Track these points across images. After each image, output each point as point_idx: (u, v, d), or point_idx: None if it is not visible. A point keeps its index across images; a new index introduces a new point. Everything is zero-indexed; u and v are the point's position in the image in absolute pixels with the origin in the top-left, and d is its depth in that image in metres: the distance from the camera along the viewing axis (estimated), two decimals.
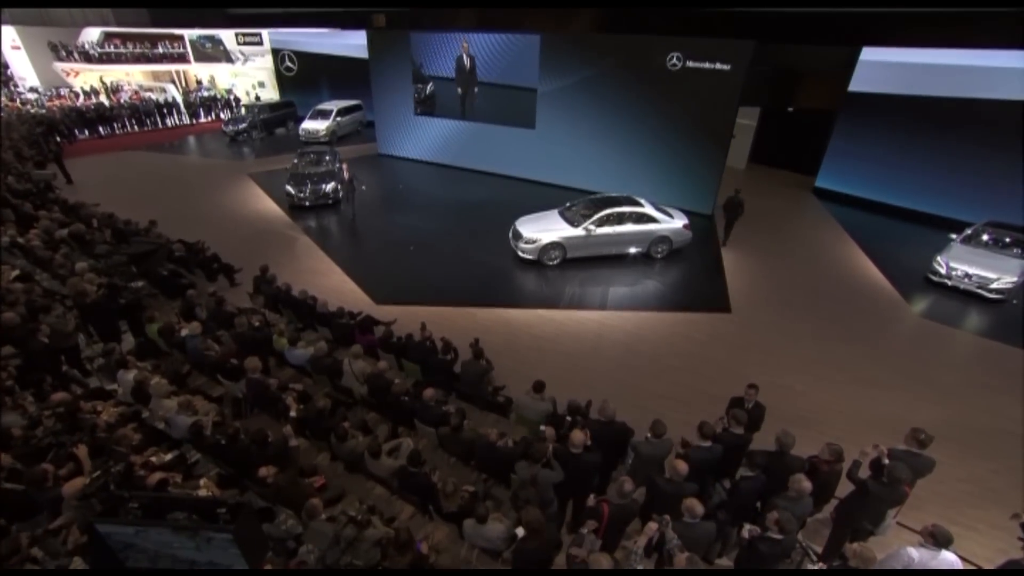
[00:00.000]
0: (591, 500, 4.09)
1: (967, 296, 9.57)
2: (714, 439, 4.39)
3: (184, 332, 6.30)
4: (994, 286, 9.36)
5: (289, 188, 13.23)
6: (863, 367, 7.49)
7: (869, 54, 13.54)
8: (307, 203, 13.24)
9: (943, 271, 9.85)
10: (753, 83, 12.18)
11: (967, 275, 9.58)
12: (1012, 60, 11.40)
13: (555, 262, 10.37)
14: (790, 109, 17.16)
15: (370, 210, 13.26)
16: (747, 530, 3.79)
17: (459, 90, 16.07)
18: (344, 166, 14.15)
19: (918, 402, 6.74)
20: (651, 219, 10.44)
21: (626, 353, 7.69)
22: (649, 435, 4.44)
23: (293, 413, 5.10)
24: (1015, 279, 9.29)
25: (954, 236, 10.52)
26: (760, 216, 13.20)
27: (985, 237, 10.33)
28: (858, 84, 13.92)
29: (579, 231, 10.20)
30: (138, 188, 14.57)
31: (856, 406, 6.66)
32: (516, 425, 5.62)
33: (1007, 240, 10.13)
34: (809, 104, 16.70)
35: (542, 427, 4.64)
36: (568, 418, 4.97)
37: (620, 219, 10.32)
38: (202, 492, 4.02)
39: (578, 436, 4.20)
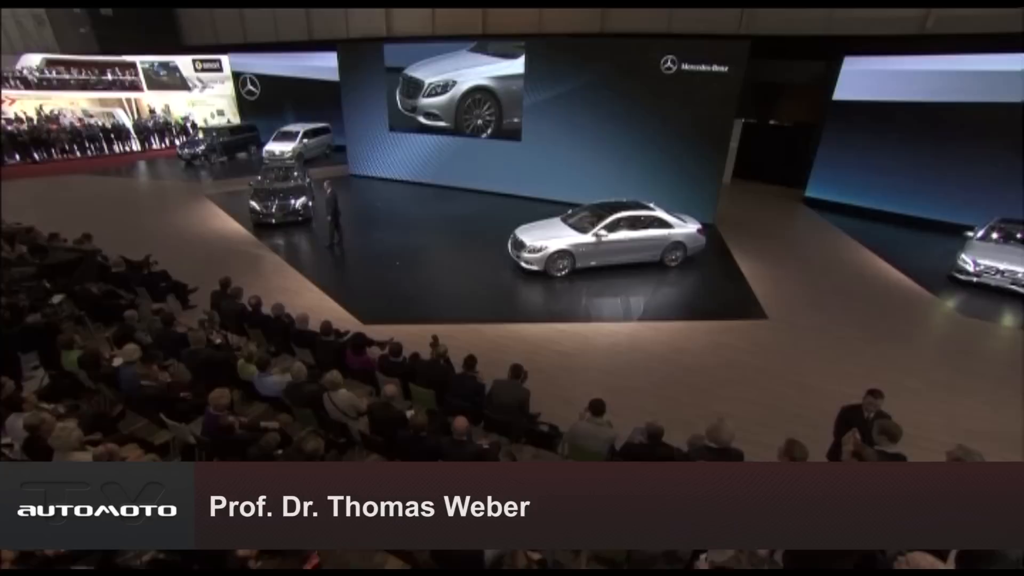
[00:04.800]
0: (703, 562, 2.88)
1: (999, 293, 9.03)
2: None
3: (117, 361, 4.78)
4: None
5: (254, 204, 11.76)
6: (929, 370, 6.64)
7: (851, 64, 13.53)
8: (273, 220, 11.77)
9: (971, 268, 9.33)
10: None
11: (998, 271, 9.09)
12: (997, 64, 11.43)
13: (563, 272, 9.28)
14: (772, 122, 17.13)
15: (346, 227, 11.90)
16: None
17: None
18: (326, 183, 12.70)
19: (1008, 407, 5.86)
20: (664, 223, 9.57)
21: (670, 367, 6.56)
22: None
23: None
24: None
25: (970, 234, 10.15)
26: (761, 227, 12.68)
27: (997, 235, 9.99)
28: (842, 92, 13.86)
29: (588, 237, 9.19)
30: (75, 210, 12.70)
31: (944, 413, 5.69)
32: (568, 459, 4.34)
33: (1018, 236, 9.83)
34: (791, 117, 16.70)
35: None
36: (645, 442, 3.74)
37: (632, 224, 9.40)
38: None
39: None
